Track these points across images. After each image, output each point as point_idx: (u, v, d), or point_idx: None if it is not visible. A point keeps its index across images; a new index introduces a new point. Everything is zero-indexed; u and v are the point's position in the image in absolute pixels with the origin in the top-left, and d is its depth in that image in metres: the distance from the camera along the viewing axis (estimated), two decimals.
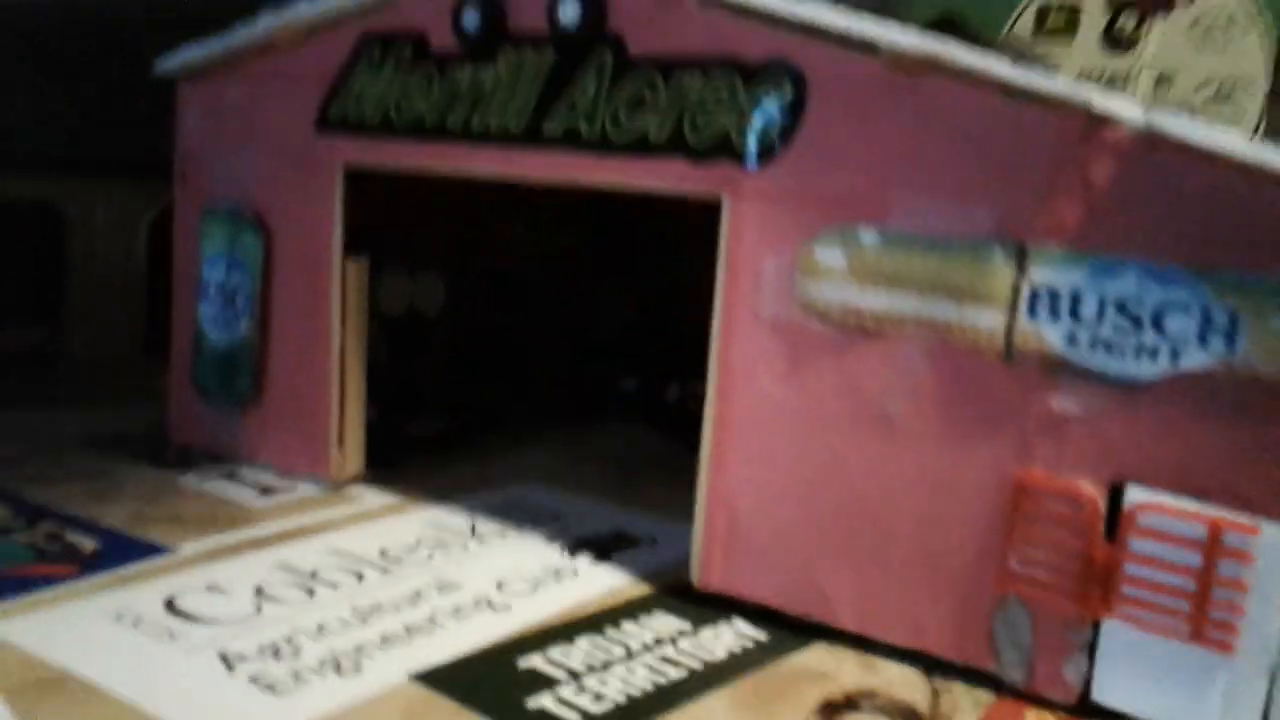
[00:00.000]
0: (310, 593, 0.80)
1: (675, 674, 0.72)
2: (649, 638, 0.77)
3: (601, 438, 1.30)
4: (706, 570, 0.83)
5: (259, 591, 0.80)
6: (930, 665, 0.75)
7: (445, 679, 0.69)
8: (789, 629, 0.79)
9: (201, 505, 0.97)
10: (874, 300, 0.74)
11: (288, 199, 1.02)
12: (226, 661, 0.69)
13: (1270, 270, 0.62)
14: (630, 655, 0.74)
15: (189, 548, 0.87)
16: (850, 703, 0.71)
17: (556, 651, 0.74)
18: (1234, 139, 0.63)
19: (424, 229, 1.20)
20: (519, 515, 1.00)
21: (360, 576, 0.84)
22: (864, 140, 0.74)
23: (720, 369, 0.81)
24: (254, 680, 0.67)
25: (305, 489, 1.03)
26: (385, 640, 0.74)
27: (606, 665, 0.73)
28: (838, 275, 0.75)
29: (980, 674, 0.73)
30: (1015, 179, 0.69)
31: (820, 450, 0.77)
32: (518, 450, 1.21)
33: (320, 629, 0.75)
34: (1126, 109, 0.66)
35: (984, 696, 0.72)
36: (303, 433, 1.04)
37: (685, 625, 0.80)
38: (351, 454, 1.05)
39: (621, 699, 0.68)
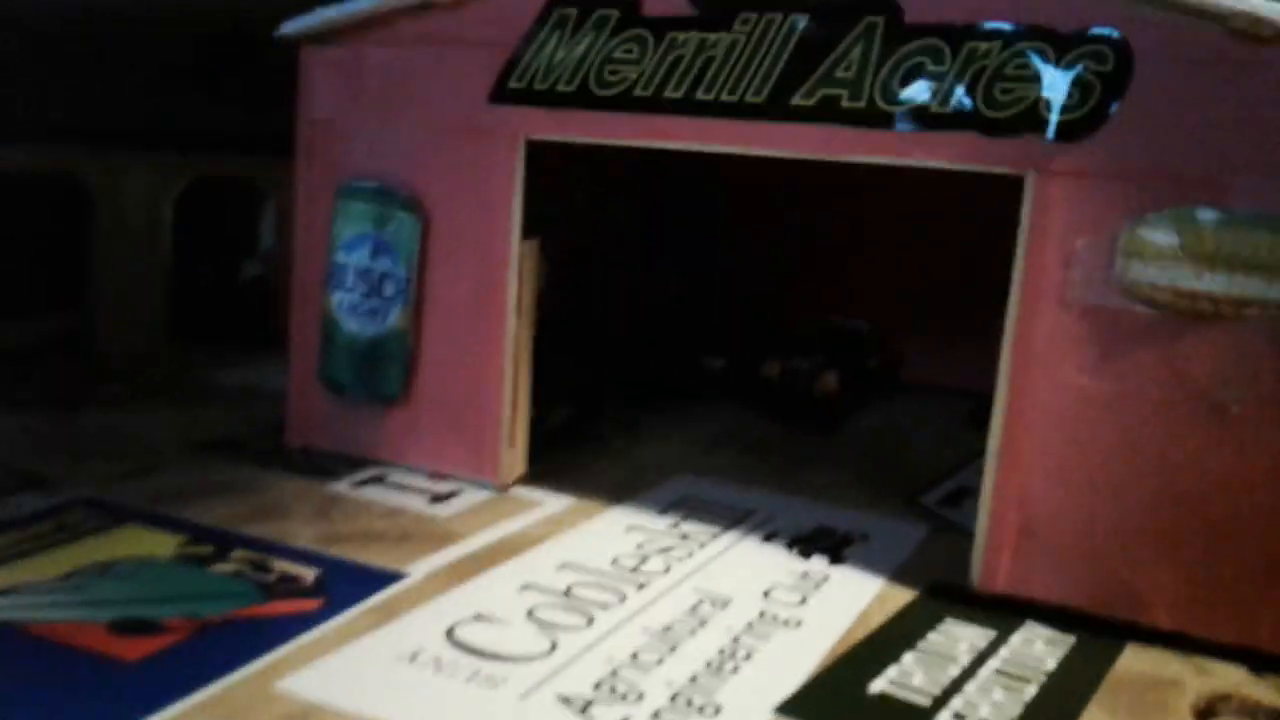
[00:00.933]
0: (589, 618, 0.73)
1: (1031, 690, 0.67)
2: (966, 650, 0.72)
3: (708, 421, 1.23)
4: (990, 572, 0.78)
5: (533, 617, 0.72)
6: (1258, 663, 0.72)
7: (810, 710, 0.63)
8: (1089, 631, 0.75)
9: (383, 518, 0.88)
10: (1212, 283, 0.70)
11: (453, 177, 0.92)
12: (570, 704, 0.61)
13: None
14: (972, 672, 0.69)
15: (418, 569, 0.78)
16: (1210, 710, 0.67)
17: (894, 672, 0.69)
18: None
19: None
20: (708, 513, 0.93)
21: (622, 595, 0.76)
22: (1201, 116, 0.70)
23: (1015, 358, 0.76)
24: None
25: (472, 494, 0.94)
26: (712, 667, 0.67)
27: (958, 686, 0.67)
28: (1169, 257, 0.71)
29: None
30: None
31: (1136, 443, 0.73)
32: (639, 439, 1.14)
33: (634, 659, 0.67)
34: None
35: None
36: (466, 432, 0.95)
37: (990, 633, 0.75)
38: (518, 454, 0.96)
39: None
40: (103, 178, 1.30)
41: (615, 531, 0.88)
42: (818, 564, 0.85)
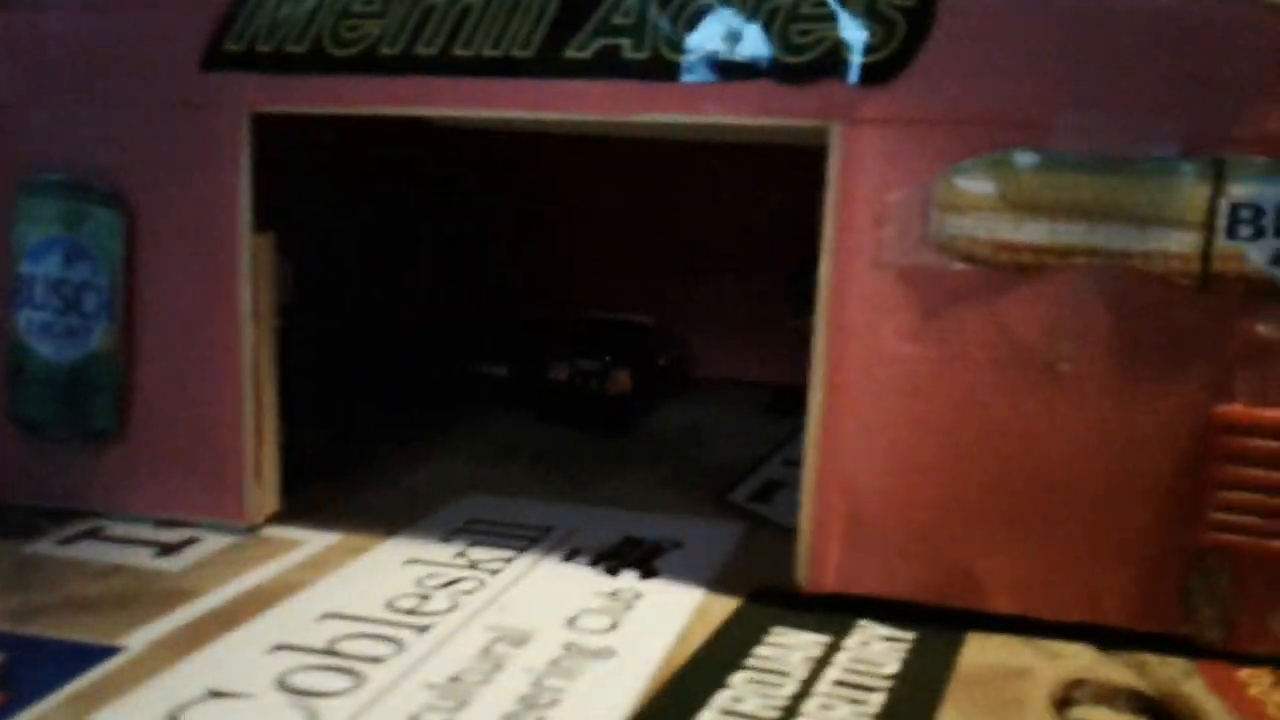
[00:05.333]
0: (357, 676, 0.60)
1: (878, 700, 0.59)
2: (800, 660, 0.64)
3: (495, 433, 1.12)
4: (818, 569, 0.70)
5: (284, 686, 0.58)
6: (1104, 640, 0.67)
7: None
8: (929, 624, 0.68)
9: (97, 580, 0.72)
10: (1033, 233, 0.64)
11: (162, 162, 0.77)
12: None
13: None
14: (809, 689, 0.60)
15: (135, 640, 0.63)
16: (1067, 699, 0.61)
17: (725, 698, 0.59)
18: None
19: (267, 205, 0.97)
20: (499, 535, 0.82)
21: (399, 644, 0.64)
22: (1012, 50, 0.64)
23: (830, 329, 0.68)
24: None
25: (213, 540, 0.79)
26: None
27: (796, 707, 0.58)
28: (987, 207, 0.64)
29: (1167, 640, 0.65)
30: (1210, 86, 0.61)
31: (964, 413, 0.67)
32: (418, 459, 1.01)
33: None
34: None
35: (1183, 664, 0.65)
36: (199, 468, 0.80)
37: (824, 639, 0.67)
38: (269, 488, 0.82)
39: None
40: None
41: (390, 568, 0.76)
42: (627, 581, 0.75)
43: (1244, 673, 0.63)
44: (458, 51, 0.71)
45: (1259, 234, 0.61)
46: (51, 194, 0.79)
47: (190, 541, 0.79)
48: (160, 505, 0.81)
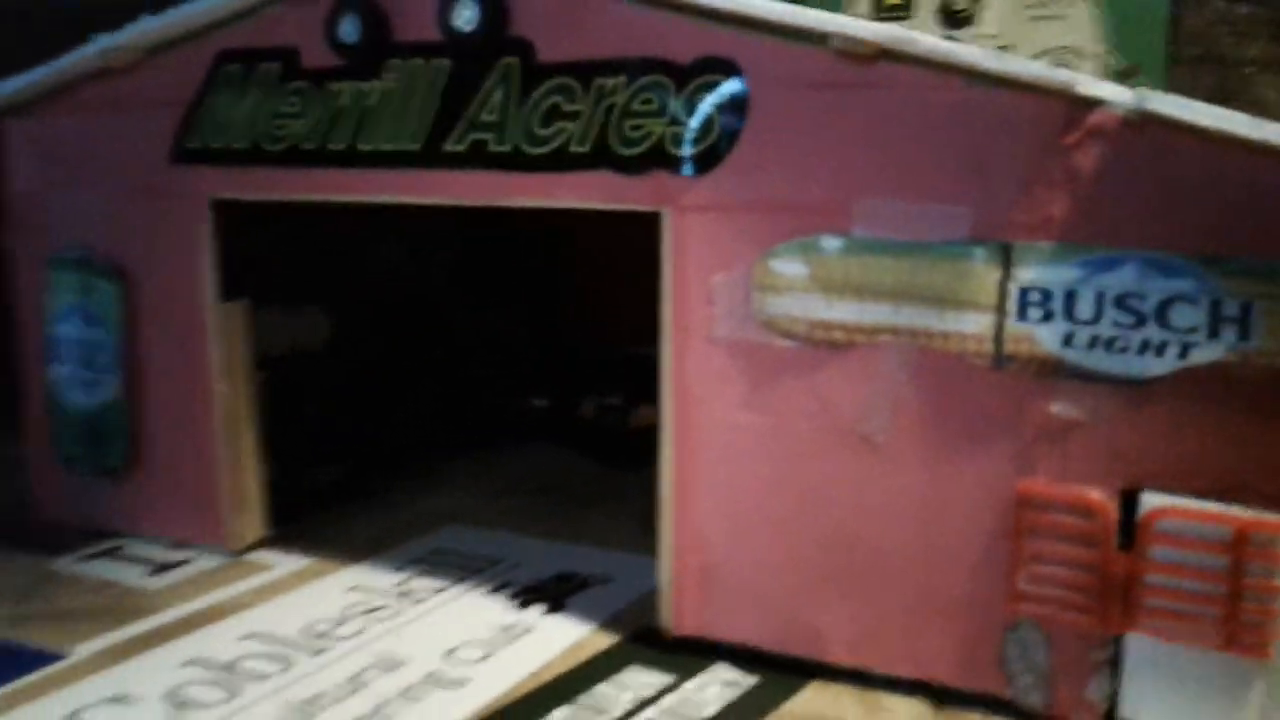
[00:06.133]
0: (233, 692, 0.70)
1: None
2: (630, 700, 0.70)
3: (516, 464, 1.21)
4: (679, 614, 0.76)
5: (173, 698, 0.70)
6: (938, 697, 0.70)
7: None
8: (778, 671, 0.73)
9: (86, 593, 0.86)
10: (843, 312, 0.68)
11: (145, 241, 0.90)
12: None
13: None
14: None
15: (82, 649, 0.76)
16: None
17: None
18: (1233, 116, 0.58)
19: (298, 258, 1.08)
20: (452, 566, 0.91)
21: (287, 663, 0.74)
22: (818, 141, 0.67)
23: (675, 397, 0.74)
24: None
25: (204, 561, 0.92)
26: None
27: None
28: (800, 288, 0.69)
29: (994, 701, 0.68)
30: (993, 173, 0.63)
31: (795, 477, 0.71)
32: (430, 491, 1.11)
33: None
34: (1111, 90, 0.60)
35: None
36: (193, 498, 0.93)
37: (667, 679, 0.73)
38: (252, 517, 0.94)
39: None
40: None
41: (332, 594, 0.86)
42: (530, 615, 0.82)
43: None
44: (361, 146, 0.80)
45: (1048, 316, 0.63)
46: (69, 268, 0.93)
47: (183, 563, 0.92)
48: (166, 529, 0.95)
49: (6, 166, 0.95)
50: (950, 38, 1.39)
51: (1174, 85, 1.21)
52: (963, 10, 1.46)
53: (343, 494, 1.09)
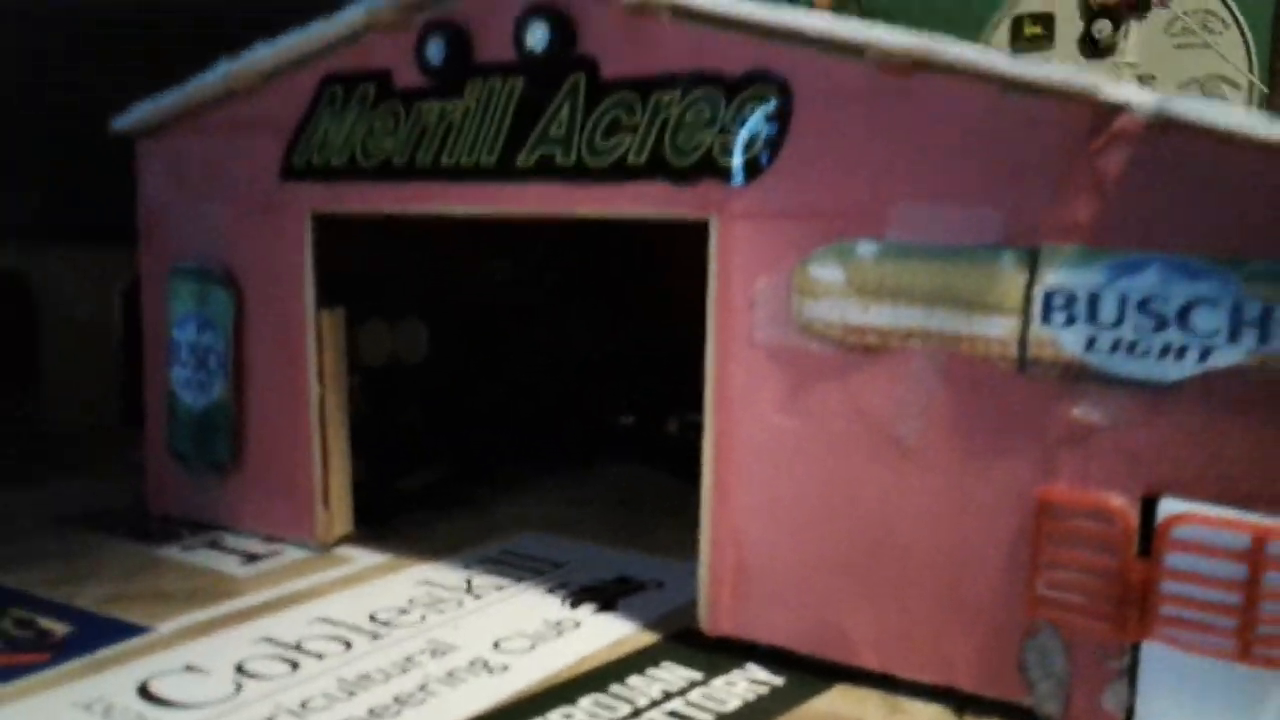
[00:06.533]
0: (295, 666, 0.75)
1: None
2: (657, 692, 0.72)
3: (601, 479, 1.25)
4: (715, 614, 0.78)
5: (239, 669, 0.75)
6: (961, 703, 0.70)
7: None
8: (808, 672, 0.74)
9: (183, 578, 0.92)
10: (877, 316, 0.70)
11: (256, 252, 0.97)
12: None
13: None
14: (637, 714, 0.69)
15: (167, 626, 0.82)
16: None
17: (557, 715, 0.69)
18: (1253, 118, 0.59)
19: (403, 273, 1.16)
20: (518, 567, 0.95)
21: (348, 645, 0.79)
22: (856, 149, 0.70)
23: (717, 399, 0.76)
24: None
25: (293, 554, 0.98)
26: (373, 713, 0.68)
27: None
28: (837, 293, 0.71)
29: (1013, 709, 0.68)
30: (1022, 178, 0.65)
31: (829, 479, 0.73)
32: (515, 498, 1.16)
33: (304, 705, 0.69)
34: (1135, 94, 0.62)
35: None
36: (287, 495, 0.99)
37: (696, 675, 0.75)
38: (339, 514, 1.00)
39: None
40: (47, 278, 1.40)
41: (402, 587, 0.91)
42: (580, 613, 0.85)
43: None
44: (444, 161, 0.86)
45: (1072, 320, 0.64)
46: (188, 278, 1.02)
47: (273, 554, 0.98)
48: (262, 524, 1.01)
49: (140, 183, 1.05)
50: (1089, 68, 1.39)
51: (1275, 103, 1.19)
52: (1106, 39, 1.45)
53: (432, 498, 1.14)
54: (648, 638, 0.81)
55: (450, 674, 0.74)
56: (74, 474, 1.25)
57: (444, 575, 0.93)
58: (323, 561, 0.97)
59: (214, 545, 1.01)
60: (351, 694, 0.71)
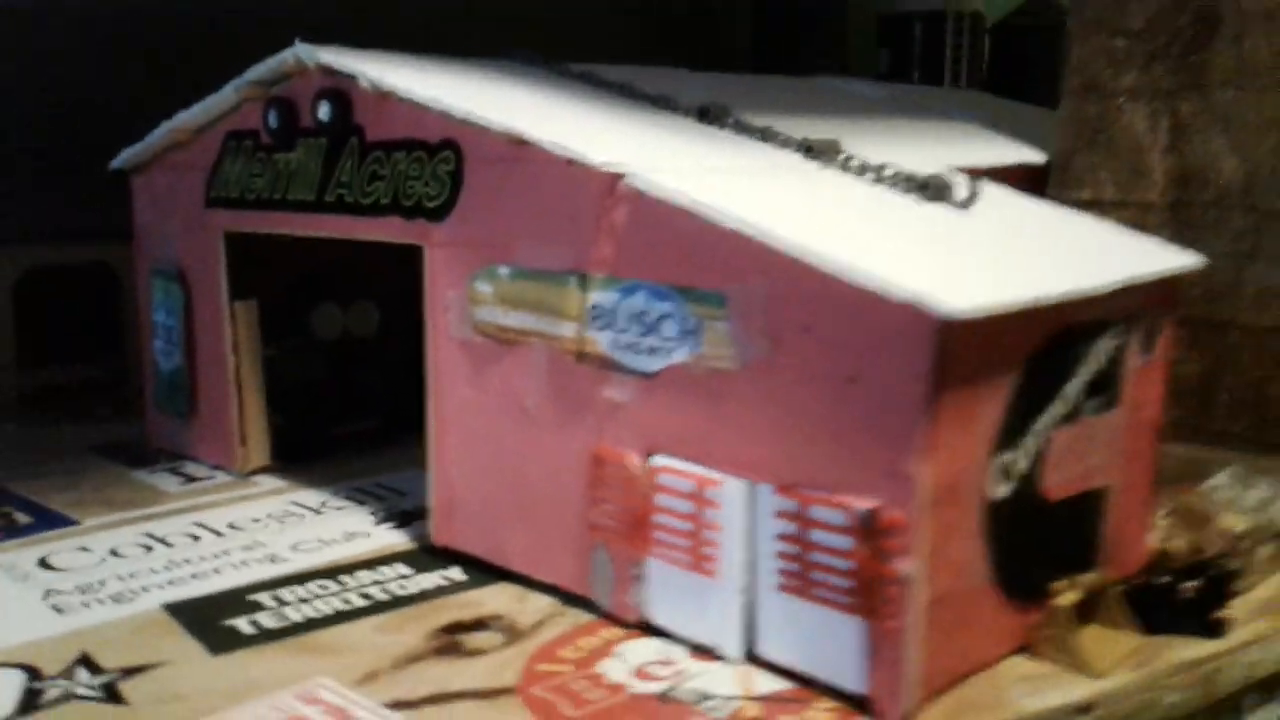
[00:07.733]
0: (148, 549, 1.10)
1: (358, 603, 0.97)
2: (368, 580, 1.02)
3: None
4: (437, 531, 1.08)
5: (113, 551, 1.10)
6: (567, 598, 0.97)
7: (185, 608, 0.96)
8: (487, 574, 1.03)
9: (132, 491, 1.28)
10: (512, 319, 0.97)
11: (194, 259, 1.33)
12: (46, 595, 0.99)
13: (714, 287, 0.83)
14: (344, 590, 1.00)
15: (91, 522, 1.18)
16: (480, 624, 0.94)
17: (286, 591, 1.00)
18: (692, 193, 0.83)
19: (358, 265, 1.48)
20: (374, 495, 1.26)
21: (197, 539, 1.13)
22: (498, 199, 0.98)
23: (432, 379, 1.05)
24: (54, 606, 0.96)
25: (222, 479, 1.33)
26: (171, 583, 1.02)
27: (312, 598, 0.98)
28: (490, 302, 0.99)
29: (591, 603, 0.95)
30: (578, 225, 0.91)
31: (494, 436, 1.01)
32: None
33: (132, 575, 1.03)
34: (626, 165, 0.87)
35: (586, 618, 0.94)
36: (219, 436, 1.34)
37: (408, 571, 1.04)
38: (255, 451, 1.34)
39: (299, 618, 0.94)
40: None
41: (273, 505, 1.23)
42: (378, 529, 1.16)
43: (604, 631, 0.92)
44: (289, 196, 1.18)
45: (605, 326, 0.90)
46: (160, 276, 1.38)
47: (208, 478, 1.33)
48: (208, 456, 1.37)
49: (134, 206, 1.42)
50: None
51: (1062, 115, 1.35)
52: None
53: (361, 443, 1.46)
54: (403, 546, 1.11)
55: (244, 561, 1.07)
56: (124, 416, 1.65)
57: (310, 498, 1.26)
58: (238, 485, 1.31)
59: (174, 471, 1.37)
60: (168, 568, 1.05)
